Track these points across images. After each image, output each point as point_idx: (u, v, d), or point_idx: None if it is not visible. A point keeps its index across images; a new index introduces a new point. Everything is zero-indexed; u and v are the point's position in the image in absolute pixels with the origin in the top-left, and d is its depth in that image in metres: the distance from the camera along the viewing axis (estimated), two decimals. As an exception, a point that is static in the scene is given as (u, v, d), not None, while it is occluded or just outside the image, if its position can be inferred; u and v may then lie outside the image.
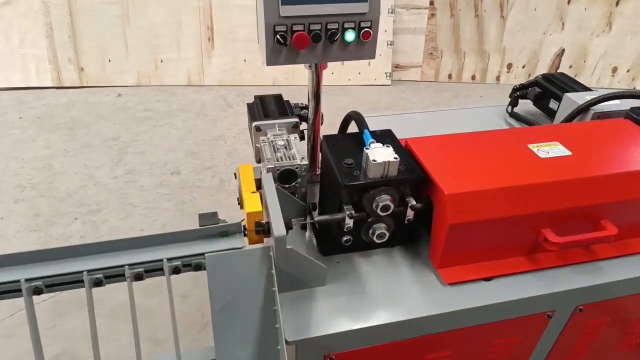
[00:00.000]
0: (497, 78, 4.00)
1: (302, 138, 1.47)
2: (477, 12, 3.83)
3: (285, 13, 1.12)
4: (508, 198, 1.09)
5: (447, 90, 3.90)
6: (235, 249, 1.06)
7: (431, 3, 3.81)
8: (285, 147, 1.33)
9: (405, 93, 3.83)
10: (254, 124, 1.38)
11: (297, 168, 1.25)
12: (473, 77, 4.02)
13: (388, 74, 3.89)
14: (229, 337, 1.11)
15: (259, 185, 1.25)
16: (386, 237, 1.17)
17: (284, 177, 1.27)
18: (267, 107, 1.47)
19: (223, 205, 2.42)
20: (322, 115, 1.55)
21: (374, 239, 1.17)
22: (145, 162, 2.81)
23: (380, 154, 1.11)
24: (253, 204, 1.12)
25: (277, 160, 1.27)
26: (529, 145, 1.20)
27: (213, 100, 3.53)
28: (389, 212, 1.12)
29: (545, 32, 3.82)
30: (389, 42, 3.81)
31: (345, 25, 1.17)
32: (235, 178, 1.36)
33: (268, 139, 1.36)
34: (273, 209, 1.08)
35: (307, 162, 1.26)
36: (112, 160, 2.82)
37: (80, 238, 2.26)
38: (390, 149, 1.12)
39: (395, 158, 1.08)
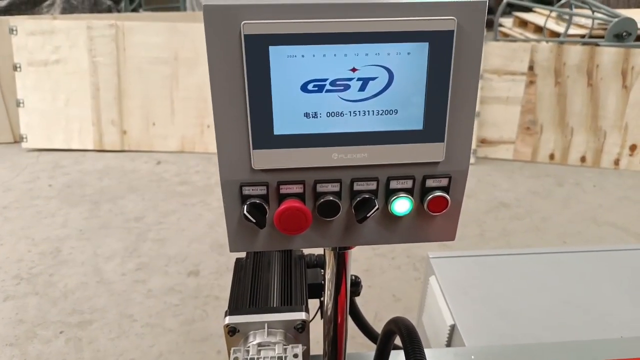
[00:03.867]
0: (616, 162, 3.14)
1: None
2: (590, 80, 3.05)
3: (262, 163, 0.52)
4: None
5: (549, 175, 3.10)
6: None
7: (530, 68, 3.10)
8: (273, 379, 0.71)
9: (492, 176, 3.09)
10: (226, 320, 0.79)
11: None
12: (583, 159, 3.19)
13: (472, 151, 3.19)
14: None
15: None
16: None
17: None
18: (260, 280, 0.88)
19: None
20: (359, 282, 0.92)
21: None
22: (163, 255, 2.34)
23: None
24: None
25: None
26: None
27: (259, 174, 3.05)
28: None
29: (686, 108, 2.94)
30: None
31: (393, 186, 0.55)
32: None
33: (246, 355, 0.75)
34: None
35: None
36: (126, 250, 2.37)
37: (56, 363, 1.78)
38: None
39: None
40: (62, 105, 3.27)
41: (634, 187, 2.99)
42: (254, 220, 0.55)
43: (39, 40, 3.19)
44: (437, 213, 0.59)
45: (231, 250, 0.63)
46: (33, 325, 1.95)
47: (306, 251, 1.00)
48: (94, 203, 2.76)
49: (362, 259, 2.26)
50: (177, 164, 3.17)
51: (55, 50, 3.21)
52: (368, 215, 0.56)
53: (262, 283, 0.86)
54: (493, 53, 3.13)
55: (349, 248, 0.70)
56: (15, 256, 2.33)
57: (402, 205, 0.58)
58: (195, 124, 3.29)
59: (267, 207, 0.56)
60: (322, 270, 0.91)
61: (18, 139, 3.37)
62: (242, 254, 0.97)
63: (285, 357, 0.74)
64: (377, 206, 0.56)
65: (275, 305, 0.81)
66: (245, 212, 0.55)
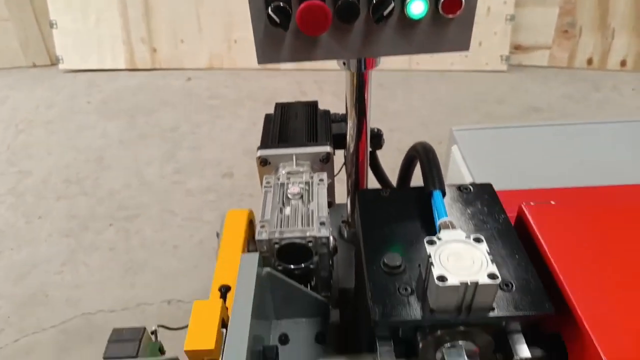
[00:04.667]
0: (659, 64, 2.98)
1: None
2: (637, -26, 2.84)
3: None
4: None
5: (585, 80, 2.99)
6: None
7: (571, -36, 2.90)
8: (302, 198, 0.79)
9: (526, 83, 3.01)
10: (258, 153, 0.86)
11: (311, 242, 0.71)
12: (623, 64, 3.04)
13: (505, 57, 3.09)
14: None
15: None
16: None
17: (289, 254, 0.73)
18: (287, 125, 0.93)
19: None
20: (381, 135, 0.97)
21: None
22: (198, 160, 2.45)
23: (457, 257, 0.52)
24: (202, 326, 0.61)
25: (279, 226, 0.74)
26: None
27: (286, 86, 3.07)
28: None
29: None
30: (509, 16, 3.00)
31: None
32: (218, 238, 0.86)
33: (277, 181, 0.83)
34: (232, 336, 0.56)
35: (327, 234, 0.70)
36: (164, 156, 2.50)
37: (109, 250, 1.96)
38: (483, 247, 0.52)
39: (492, 276, 0.48)
40: (93, 25, 3.32)
41: (677, 92, 2.85)
42: (278, 20, 0.59)
43: (65, -42, 3.19)
44: (451, 15, 0.61)
45: (259, 62, 0.68)
46: (85, 220, 2.13)
47: (332, 111, 1.05)
48: (130, 116, 2.87)
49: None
50: (206, 80, 3.22)
51: (81, -32, 3.21)
52: (385, 13, 0.59)
53: (290, 127, 0.92)
54: (531, -50, 2.93)
55: (369, 68, 0.73)
56: (63, 163, 2.50)
57: (417, 7, 0.60)
58: (222, 39, 3.29)
59: (290, 10, 0.60)
60: (345, 123, 0.95)
61: (55, 61, 3.47)
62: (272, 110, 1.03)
63: (312, 181, 0.81)
64: (392, 4, 0.59)
65: (302, 142, 0.87)
66: (269, 12, 0.59)
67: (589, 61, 3.09)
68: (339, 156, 0.97)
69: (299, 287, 0.73)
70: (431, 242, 0.52)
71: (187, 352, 0.61)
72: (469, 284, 0.48)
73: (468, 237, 0.53)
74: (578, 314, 0.53)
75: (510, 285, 0.53)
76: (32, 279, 1.85)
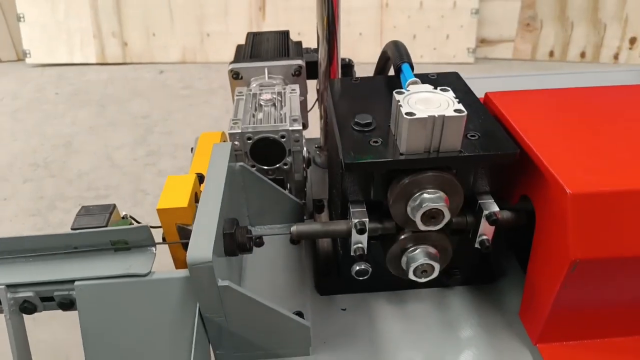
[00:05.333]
0: (615, 56, 3.14)
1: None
2: (592, -30, 3.01)
3: None
4: None
5: (548, 71, 3.11)
6: (134, 275, 0.55)
7: (531, -40, 3.05)
8: (274, 105, 0.79)
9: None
10: (230, 66, 0.86)
11: (283, 137, 0.72)
12: (582, 55, 3.19)
13: (471, 50, 3.20)
14: None
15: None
16: (433, 274, 0.60)
17: (262, 152, 0.73)
18: (260, 47, 0.95)
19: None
20: (352, 66, 0.99)
21: (412, 275, 0.61)
22: (170, 143, 2.43)
23: (425, 102, 0.53)
24: (175, 191, 0.61)
25: (251, 123, 0.74)
26: None
27: (260, 77, 3.09)
28: (439, 225, 0.54)
29: (688, -6, 2.91)
30: (474, 10, 3.12)
31: None
32: (192, 153, 0.86)
33: (249, 91, 0.83)
34: (204, 205, 0.55)
35: (300, 127, 0.71)
36: (135, 141, 2.46)
37: (77, 228, 1.91)
38: (449, 93, 0.54)
39: (457, 111, 0.50)
40: (62, 18, 3.28)
41: (633, 81, 3.01)
42: None
43: (33, -49, 3.16)
44: None
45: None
46: (52, 200, 2.07)
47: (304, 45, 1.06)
48: (100, 106, 2.83)
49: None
50: (179, 72, 3.21)
51: (50, -39, 3.18)
52: None
53: (262, 48, 0.93)
54: (493, -53, 3.08)
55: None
56: (30, 148, 2.43)
57: None
58: (195, 32, 3.30)
59: None
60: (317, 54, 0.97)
61: (21, 56, 3.40)
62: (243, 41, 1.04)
63: (284, 91, 0.82)
64: None
65: (274, 57, 0.88)
66: None
67: (551, 53, 3.23)
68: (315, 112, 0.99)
69: (272, 185, 0.74)
70: (400, 93, 0.54)
71: (159, 211, 0.60)
72: (437, 116, 0.50)
73: (435, 88, 0.55)
74: (538, 157, 0.55)
75: (476, 136, 0.55)
76: None
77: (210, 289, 0.51)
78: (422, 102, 0.52)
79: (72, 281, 0.56)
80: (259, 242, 0.77)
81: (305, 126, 0.94)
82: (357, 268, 0.64)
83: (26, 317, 0.59)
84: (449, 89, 0.54)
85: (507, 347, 0.61)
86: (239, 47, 0.97)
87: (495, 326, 0.64)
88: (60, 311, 0.59)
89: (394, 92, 0.54)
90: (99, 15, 3.27)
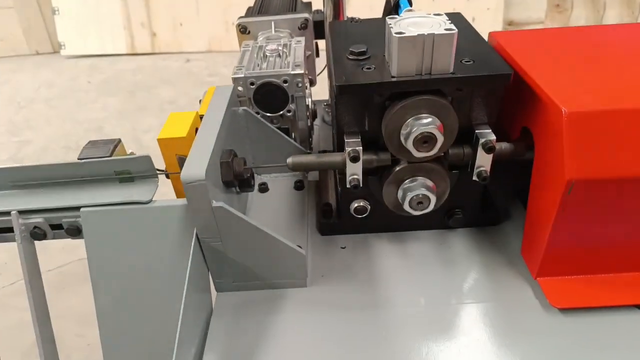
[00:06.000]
0: (653, 35, 3.00)
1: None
2: (627, -54, 2.89)
3: None
4: None
5: (578, 52, 3.01)
6: (136, 203, 0.57)
7: (561, -62, 2.95)
8: (279, 55, 0.81)
9: (519, 55, 3.03)
10: (237, 21, 0.88)
11: (286, 82, 0.73)
12: (616, 35, 3.06)
13: (498, 33, 3.13)
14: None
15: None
16: (430, 206, 0.60)
17: (265, 98, 0.74)
18: (268, 6, 0.96)
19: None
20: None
21: (407, 207, 0.61)
22: (195, 126, 2.48)
23: (417, 25, 0.53)
24: (175, 124, 0.63)
25: (255, 69, 0.75)
26: None
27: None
28: (433, 153, 0.55)
29: None
30: (501, -8, 3.05)
31: None
32: (199, 104, 0.88)
33: (256, 44, 0.85)
34: (201, 133, 0.57)
35: (302, 71, 0.72)
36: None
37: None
38: (442, 17, 0.54)
39: (448, 30, 0.50)
40: (94, 10, 3.40)
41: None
42: None
43: (68, -54, 3.29)
44: None
45: None
46: (83, 179, 2.15)
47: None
48: (129, 92, 2.92)
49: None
50: (205, 61, 3.27)
51: (83, -45, 3.30)
52: None
53: (270, 5, 0.94)
54: None
55: None
56: (62, 132, 2.54)
57: None
58: (220, 21, 3.36)
59: None
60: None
61: (57, 48, 3.54)
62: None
63: (290, 43, 0.83)
64: None
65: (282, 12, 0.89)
66: None
67: (583, 34, 3.11)
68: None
69: (275, 130, 0.75)
70: (392, 18, 0.54)
71: (160, 141, 0.62)
72: (426, 34, 0.50)
73: (426, 15, 0.54)
74: (536, 83, 0.54)
75: (471, 61, 0.54)
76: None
77: (205, 209, 0.53)
78: (413, 25, 0.52)
79: (78, 208, 0.59)
80: (263, 187, 0.79)
81: (313, 82, 0.94)
82: (356, 205, 0.64)
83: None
84: (442, 13, 0.54)
85: (507, 282, 0.60)
86: (249, 8, 0.99)
87: (497, 264, 0.63)
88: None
89: (386, 17, 0.54)
90: (128, 7, 3.37)
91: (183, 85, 2.96)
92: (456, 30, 0.50)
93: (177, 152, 0.61)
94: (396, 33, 0.50)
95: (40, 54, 3.60)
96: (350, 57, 0.58)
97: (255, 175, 0.81)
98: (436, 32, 0.49)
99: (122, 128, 2.53)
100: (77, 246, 1.80)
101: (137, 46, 3.44)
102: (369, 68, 0.55)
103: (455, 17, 0.68)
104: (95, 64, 3.36)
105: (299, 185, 0.77)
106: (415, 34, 0.49)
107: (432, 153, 0.54)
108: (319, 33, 0.96)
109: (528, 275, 0.60)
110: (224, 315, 0.59)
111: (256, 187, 0.78)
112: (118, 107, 2.75)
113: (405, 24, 0.52)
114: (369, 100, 0.56)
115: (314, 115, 0.84)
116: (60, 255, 1.74)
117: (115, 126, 2.56)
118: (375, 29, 0.65)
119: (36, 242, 0.63)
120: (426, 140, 0.53)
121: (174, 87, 2.95)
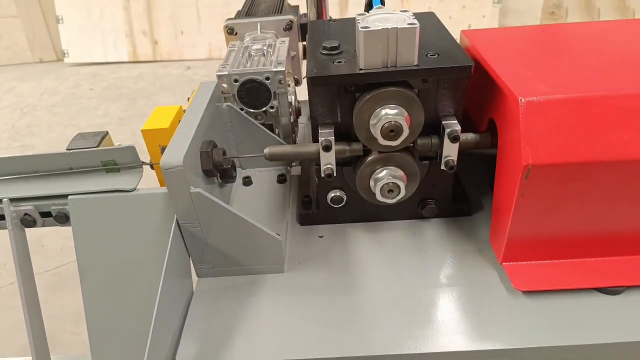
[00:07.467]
0: (647, 42, 3.03)
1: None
2: (620, -45, 2.93)
3: None
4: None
5: (573, 58, 3.05)
6: (121, 191, 0.60)
7: (555, -53, 3.01)
8: (264, 54, 0.84)
9: (514, 62, 3.07)
10: (225, 23, 0.92)
11: (268, 78, 0.76)
12: (611, 42, 3.10)
13: (493, 40, 3.17)
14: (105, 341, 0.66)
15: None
16: (400, 194, 0.63)
17: (249, 94, 0.78)
18: (256, 8, 1.00)
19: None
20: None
21: (379, 195, 0.63)
22: (194, 131, 2.52)
23: (383, 20, 0.56)
24: (159, 117, 0.66)
25: (239, 67, 0.79)
26: None
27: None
28: (399, 141, 0.58)
29: None
30: (496, 0, 3.10)
31: None
32: (187, 101, 0.91)
33: (242, 44, 0.88)
34: (182, 124, 0.60)
35: (283, 69, 0.75)
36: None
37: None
38: (408, 13, 0.57)
39: (410, 24, 0.53)
40: (97, 19, 3.47)
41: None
42: None
43: (72, -43, 3.37)
44: None
45: None
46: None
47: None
48: (130, 99, 2.97)
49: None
50: (205, 68, 3.33)
51: (87, -34, 3.38)
52: None
53: (257, 8, 0.98)
54: (515, -64, 3.05)
55: None
56: (64, 138, 2.58)
57: None
58: (220, 30, 3.41)
59: None
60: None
61: (60, 56, 3.61)
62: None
63: (275, 43, 0.87)
64: None
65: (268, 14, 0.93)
66: None
67: (578, 41, 3.15)
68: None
69: (258, 125, 0.78)
70: (361, 15, 0.57)
71: (143, 132, 0.65)
72: (390, 28, 0.53)
73: (394, 12, 0.58)
74: (498, 76, 0.57)
75: (436, 55, 0.57)
76: (29, 232, 1.90)
77: (183, 196, 0.56)
78: (380, 20, 0.55)
79: (66, 196, 0.62)
80: (247, 180, 0.82)
81: (298, 82, 0.98)
82: (332, 195, 0.67)
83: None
84: (408, 10, 0.57)
85: (476, 267, 0.62)
86: (238, 11, 1.03)
87: (467, 251, 0.65)
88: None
89: (357, 15, 0.57)
90: (131, 16, 3.44)
91: (183, 92, 3.00)
92: (418, 24, 0.53)
93: (160, 142, 0.65)
94: (362, 27, 0.53)
95: (44, 61, 3.67)
96: (323, 52, 0.61)
97: (240, 169, 0.84)
98: (399, 27, 0.53)
99: (122, 134, 2.57)
100: (74, 248, 1.84)
101: (139, 54, 3.50)
102: (340, 62, 0.58)
103: (428, 16, 0.72)
104: (97, 72, 3.42)
105: (281, 179, 0.80)
106: (380, 28, 0.53)
107: (398, 142, 0.57)
108: (306, 35, 0.99)
109: (495, 261, 0.62)
110: (202, 300, 0.62)
111: (240, 180, 0.81)
112: (119, 114, 2.80)
113: (373, 20, 0.56)
114: (340, 92, 0.59)
115: (298, 113, 0.87)
116: (57, 257, 1.78)
117: (115, 132, 2.60)
118: (351, 27, 0.69)
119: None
120: (393, 129, 0.56)
121: (174, 94, 3.00)
